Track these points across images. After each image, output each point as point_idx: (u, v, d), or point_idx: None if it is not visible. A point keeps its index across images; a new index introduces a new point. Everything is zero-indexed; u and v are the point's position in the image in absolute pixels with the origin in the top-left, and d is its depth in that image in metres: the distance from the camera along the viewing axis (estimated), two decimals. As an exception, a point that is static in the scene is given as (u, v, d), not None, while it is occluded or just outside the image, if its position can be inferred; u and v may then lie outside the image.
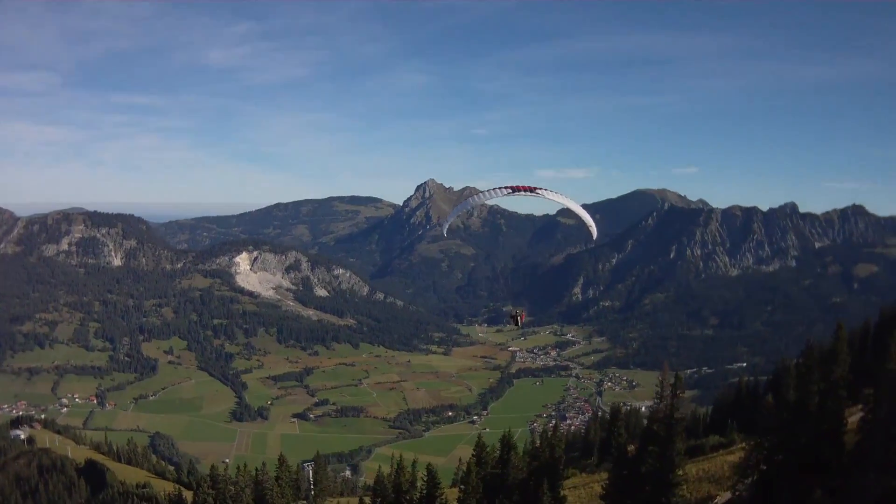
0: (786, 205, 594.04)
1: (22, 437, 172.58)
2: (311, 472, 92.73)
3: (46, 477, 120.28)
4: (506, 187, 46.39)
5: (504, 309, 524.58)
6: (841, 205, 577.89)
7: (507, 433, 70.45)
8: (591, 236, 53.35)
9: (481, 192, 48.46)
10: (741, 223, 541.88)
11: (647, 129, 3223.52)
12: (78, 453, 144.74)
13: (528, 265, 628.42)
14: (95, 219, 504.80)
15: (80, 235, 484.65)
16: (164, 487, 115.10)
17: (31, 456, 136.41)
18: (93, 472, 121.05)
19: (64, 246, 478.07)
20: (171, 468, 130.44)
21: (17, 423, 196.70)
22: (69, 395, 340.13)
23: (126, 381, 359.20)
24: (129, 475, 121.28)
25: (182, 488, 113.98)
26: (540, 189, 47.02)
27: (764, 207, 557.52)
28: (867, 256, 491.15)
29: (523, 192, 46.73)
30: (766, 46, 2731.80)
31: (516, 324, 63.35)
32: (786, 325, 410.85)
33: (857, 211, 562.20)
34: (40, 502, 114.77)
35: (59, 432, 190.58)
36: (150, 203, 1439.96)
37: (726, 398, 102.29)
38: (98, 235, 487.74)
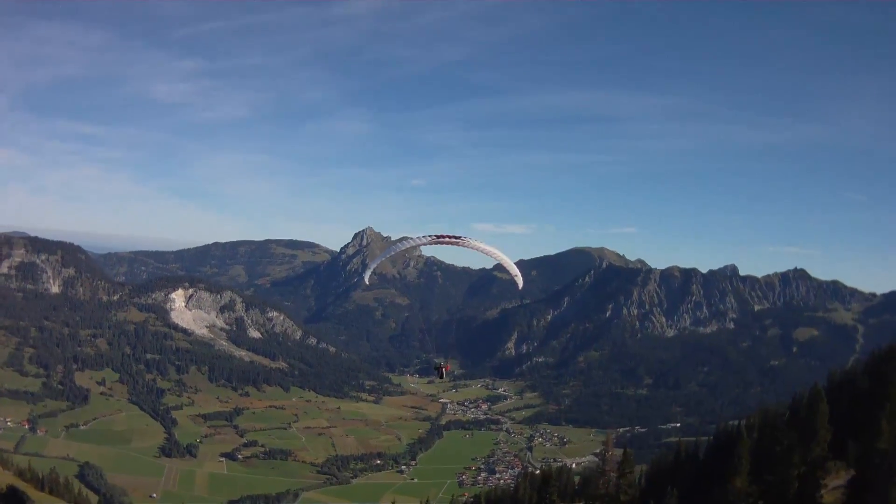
0: (726, 267, 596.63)
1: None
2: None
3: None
4: (431, 236, 47.33)
5: (432, 359, 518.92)
6: (782, 268, 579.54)
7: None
8: (518, 286, 55.86)
9: (407, 238, 48.96)
10: (679, 284, 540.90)
11: (587, 187, 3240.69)
12: (1, 478, 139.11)
13: (462, 318, 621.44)
14: (36, 244, 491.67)
15: (21, 259, 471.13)
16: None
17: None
18: (13, 499, 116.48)
19: (3, 269, 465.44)
20: (95, 501, 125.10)
21: None
22: (1, 419, 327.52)
23: (58, 409, 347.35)
24: None
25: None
26: (464, 238, 47.71)
27: (704, 269, 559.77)
28: (808, 320, 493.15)
29: (448, 241, 47.55)
30: (707, 109, 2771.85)
31: (440, 375, 65.27)
32: (722, 387, 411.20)
33: (798, 275, 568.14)
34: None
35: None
36: (91, 233, 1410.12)
37: (664, 461, 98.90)
38: (38, 261, 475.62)
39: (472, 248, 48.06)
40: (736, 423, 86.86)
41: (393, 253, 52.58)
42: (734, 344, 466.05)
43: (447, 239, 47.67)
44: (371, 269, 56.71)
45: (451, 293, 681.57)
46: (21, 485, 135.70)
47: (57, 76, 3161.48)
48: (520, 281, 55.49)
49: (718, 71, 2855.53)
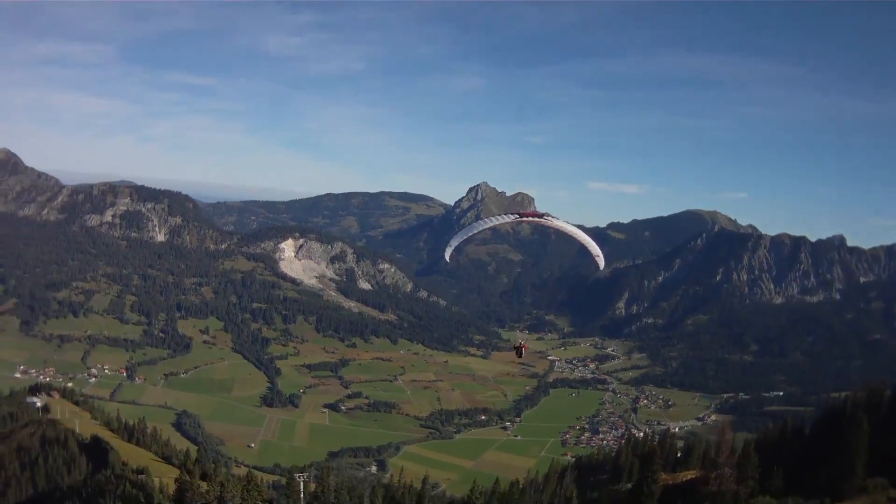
0: (833, 237, 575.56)
1: (38, 404, 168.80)
2: (302, 485, 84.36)
3: (48, 450, 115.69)
4: (515, 213, 47.37)
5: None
6: (888, 242, 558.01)
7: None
8: (598, 266, 53.48)
9: (490, 218, 47.53)
10: (789, 252, 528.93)
11: (700, 151, 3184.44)
12: (87, 428, 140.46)
13: (574, 276, 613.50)
14: (142, 193, 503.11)
15: (125, 208, 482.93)
16: (164, 473, 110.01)
17: (36, 426, 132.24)
18: (96, 450, 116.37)
19: (108, 217, 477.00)
20: (180, 451, 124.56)
21: (35, 390, 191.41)
22: (99, 366, 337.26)
23: (158, 357, 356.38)
24: (133, 456, 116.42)
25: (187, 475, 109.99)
26: (546, 217, 47.01)
27: (812, 238, 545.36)
28: None
29: (531, 220, 47.84)
30: (821, 78, 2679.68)
31: (519, 355, 64.04)
32: (825, 358, 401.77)
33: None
34: (38, 475, 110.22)
35: (77, 403, 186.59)
36: (200, 182, 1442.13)
37: (769, 435, 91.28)
38: (143, 210, 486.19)
39: (553, 227, 47.19)
40: (841, 397, 77.95)
41: (475, 232, 50.83)
42: (839, 315, 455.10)
43: (530, 217, 47.32)
44: (452, 248, 53.81)
45: (564, 251, 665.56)
46: (107, 434, 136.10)
47: (166, 27, 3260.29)
48: (601, 262, 52.82)
49: (833, 41, 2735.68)
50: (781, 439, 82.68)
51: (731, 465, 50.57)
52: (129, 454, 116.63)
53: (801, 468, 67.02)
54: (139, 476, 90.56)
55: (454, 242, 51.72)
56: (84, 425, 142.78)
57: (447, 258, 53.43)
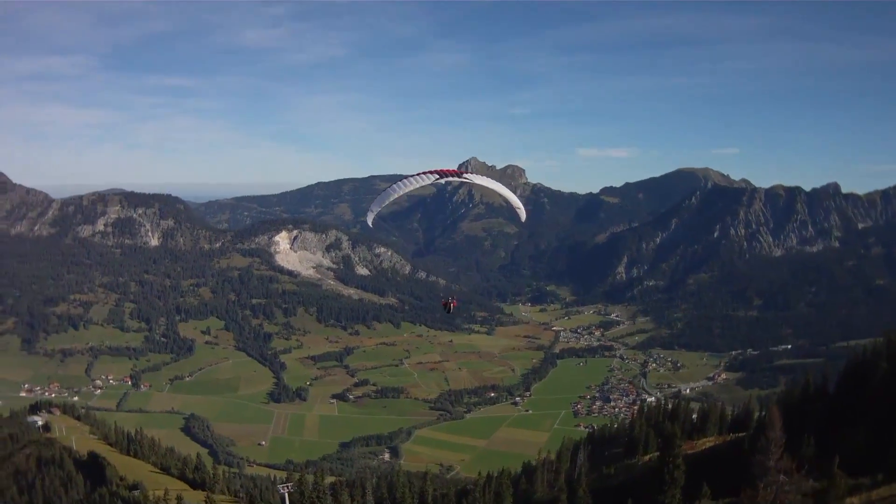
0: (828, 185, 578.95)
1: (39, 423, 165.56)
2: (287, 496, 79.82)
3: (44, 471, 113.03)
4: (432, 172, 45.57)
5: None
6: (883, 186, 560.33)
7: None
8: (520, 218, 53.95)
9: (407, 178, 46.76)
10: (784, 203, 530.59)
11: (688, 110, 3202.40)
12: (86, 443, 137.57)
13: (571, 244, 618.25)
14: (132, 199, 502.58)
15: (117, 216, 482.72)
16: (163, 484, 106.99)
17: (34, 447, 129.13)
18: (93, 466, 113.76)
19: (100, 227, 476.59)
20: (181, 459, 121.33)
21: (35, 408, 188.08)
22: (103, 377, 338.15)
23: (162, 362, 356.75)
24: (131, 469, 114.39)
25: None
26: (465, 173, 47.42)
27: (807, 187, 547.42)
28: None
29: (449, 177, 46.41)
30: (808, 27, 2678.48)
31: (448, 311, 63.77)
32: (830, 307, 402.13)
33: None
34: (36, 498, 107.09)
35: (78, 418, 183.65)
36: (189, 184, 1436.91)
37: (791, 397, 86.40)
38: (134, 216, 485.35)
39: (473, 182, 47.25)
40: (860, 348, 74.07)
41: (394, 195, 48.23)
42: (840, 263, 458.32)
43: (448, 175, 46.02)
44: (374, 213, 52.19)
45: (559, 219, 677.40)
46: (104, 449, 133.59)
47: (143, 32, 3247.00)
48: (522, 214, 53.36)
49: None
50: (804, 400, 78.38)
51: (783, 470, 45.84)
52: (127, 468, 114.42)
53: (830, 430, 63.02)
54: (133, 492, 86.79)
55: (375, 208, 51.04)
56: (82, 441, 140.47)
57: (370, 223, 52.49)
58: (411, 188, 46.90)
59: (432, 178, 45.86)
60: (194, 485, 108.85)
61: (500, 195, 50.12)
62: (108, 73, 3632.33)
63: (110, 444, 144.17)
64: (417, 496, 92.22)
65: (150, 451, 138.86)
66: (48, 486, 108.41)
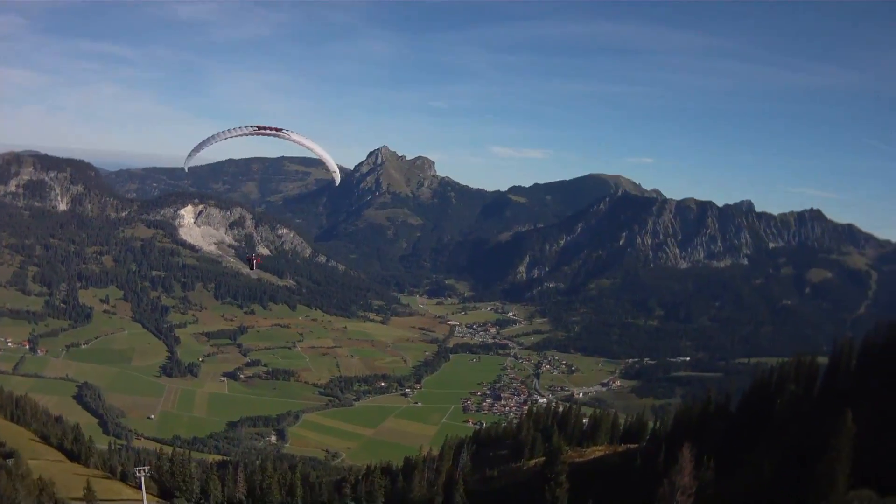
0: (742, 202, 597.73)
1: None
2: (143, 480, 77.69)
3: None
4: (252, 126, 47.04)
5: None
6: (798, 209, 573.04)
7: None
8: (335, 182, 56.35)
9: (229, 130, 48.25)
10: (695, 216, 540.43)
11: (605, 116, 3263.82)
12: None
13: (475, 240, 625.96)
14: (45, 162, 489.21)
15: (29, 178, 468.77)
16: (41, 454, 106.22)
17: None
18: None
19: (11, 188, 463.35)
20: (85, 423, 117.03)
21: None
22: (1, 339, 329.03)
23: (60, 328, 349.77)
24: (11, 435, 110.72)
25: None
26: (285, 130, 47.73)
27: (719, 203, 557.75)
28: (822, 262, 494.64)
29: (268, 133, 47.22)
30: (733, 47, 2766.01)
31: (251, 267, 69.74)
32: (733, 323, 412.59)
33: (814, 215, 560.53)
34: None
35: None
36: (105, 151, 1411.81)
37: (689, 413, 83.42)
38: (46, 179, 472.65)
39: (292, 141, 48.28)
40: (767, 368, 74.36)
41: (214, 143, 49.68)
42: (747, 280, 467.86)
43: (268, 130, 47.13)
44: (191, 158, 52.89)
45: (465, 214, 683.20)
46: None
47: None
48: (337, 178, 56.72)
49: (747, 10, 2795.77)
50: (704, 416, 77.62)
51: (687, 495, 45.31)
52: (8, 433, 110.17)
53: (731, 452, 63.33)
54: (7, 460, 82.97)
55: (193, 153, 51.35)
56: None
57: (185, 169, 56.89)
58: (229, 137, 48.06)
59: (250, 129, 47.29)
60: (71, 456, 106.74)
61: (317, 154, 51.26)
62: (39, 36, 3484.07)
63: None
64: (286, 488, 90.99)
65: (33, 417, 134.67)
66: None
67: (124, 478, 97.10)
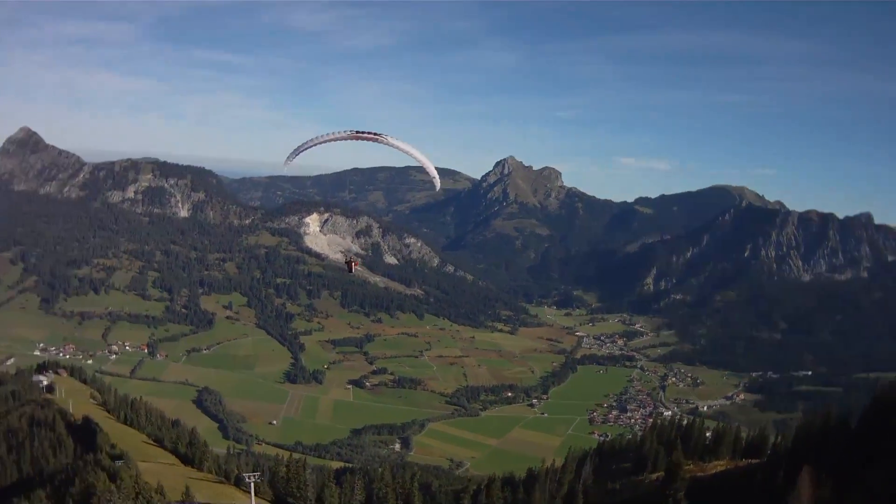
0: (861, 214, 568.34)
1: (43, 383, 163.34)
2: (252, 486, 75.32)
3: (35, 432, 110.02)
4: (350, 130, 47.18)
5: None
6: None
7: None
8: (435, 187, 54.55)
9: (325, 135, 48.10)
10: (816, 228, 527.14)
11: (730, 127, 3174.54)
12: (85, 408, 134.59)
13: (602, 251, 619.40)
14: (164, 169, 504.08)
15: (148, 184, 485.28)
16: (153, 456, 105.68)
17: (32, 407, 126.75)
18: (86, 432, 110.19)
19: (129, 193, 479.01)
20: (173, 436, 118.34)
21: (42, 368, 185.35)
22: (119, 343, 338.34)
23: (180, 333, 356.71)
24: (124, 438, 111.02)
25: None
26: (382, 135, 47.32)
27: (840, 215, 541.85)
28: None
29: (366, 137, 47.24)
30: (851, 57, 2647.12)
31: (349, 269, 70.61)
32: (853, 337, 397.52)
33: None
34: (24, 459, 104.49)
35: (85, 381, 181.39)
36: (224, 159, 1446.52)
37: (810, 428, 79.81)
38: (166, 185, 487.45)
39: (390, 145, 47.52)
40: (887, 383, 68.72)
41: (310, 146, 49.45)
42: (867, 294, 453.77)
43: (366, 135, 47.13)
44: (290, 159, 52.12)
45: (592, 225, 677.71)
46: (101, 415, 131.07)
47: (193, 5, 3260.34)
48: (437, 183, 54.59)
49: (862, 19, 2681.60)
50: (824, 431, 73.33)
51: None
52: (120, 436, 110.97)
53: (849, 468, 58.13)
54: (116, 462, 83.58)
55: (292, 155, 51.47)
56: (82, 405, 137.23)
57: (284, 167, 53.28)
58: (328, 141, 48.12)
59: (347, 133, 47.39)
60: (185, 460, 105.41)
61: (417, 159, 50.21)
62: (154, 43, 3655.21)
63: (108, 411, 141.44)
64: (403, 497, 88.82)
65: (147, 420, 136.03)
66: (37, 447, 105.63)
67: (238, 482, 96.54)
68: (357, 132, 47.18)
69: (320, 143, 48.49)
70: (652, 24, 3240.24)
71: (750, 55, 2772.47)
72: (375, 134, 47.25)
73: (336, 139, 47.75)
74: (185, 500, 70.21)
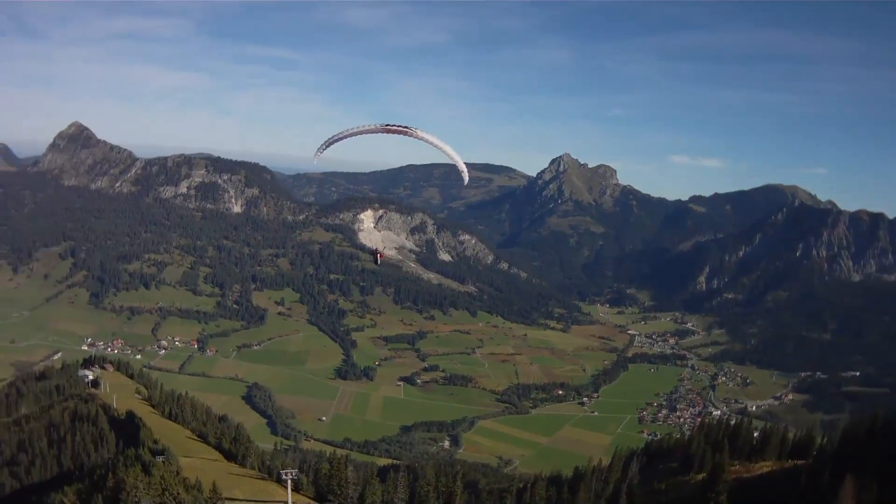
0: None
1: (89, 377, 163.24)
2: (290, 482, 74.17)
3: (77, 427, 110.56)
4: (380, 124, 47.43)
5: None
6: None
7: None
8: (463, 181, 57.44)
9: (356, 128, 48.44)
10: (867, 228, 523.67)
11: (782, 126, 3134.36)
12: (129, 403, 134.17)
13: (656, 249, 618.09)
14: (218, 164, 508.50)
15: (201, 180, 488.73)
16: (197, 452, 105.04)
17: (75, 401, 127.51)
18: (129, 427, 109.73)
19: (182, 189, 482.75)
20: (217, 431, 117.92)
21: (88, 362, 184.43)
22: (169, 338, 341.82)
23: (231, 329, 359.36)
24: (167, 433, 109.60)
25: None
26: (412, 128, 47.45)
27: (890, 215, 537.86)
28: None
29: (396, 130, 47.23)
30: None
31: (375, 262, 70.20)
32: None
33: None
34: (65, 454, 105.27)
35: (131, 376, 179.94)
36: (278, 155, 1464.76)
37: (856, 430, 79.45)
38: (219, 181, 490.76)
39: (420, 138, 48.05)
40: None
41: (341, 138, 50.04)
42: None
43: (395, 127, 47.27)
44: (320, 151, 53.12)
45: (646, 223, 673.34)
46: (145, 410, 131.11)
47: (243, 2, 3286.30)
48: (465, 177, 56.59)
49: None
50: (870, 434, 70.95)
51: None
52: (164, 431, 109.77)
53: (891, 472, 55.93)
54: (157, 457, 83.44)
55: (323, 147, 52.42)
56: (126, 400, 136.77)
57: (314, 161, 55.02)
58: (358, 134, 48.64)
59: (378, 127, 47.73)
60: (228, 456, 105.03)
61: (447, 153, 50.73)
62: (206, 39, 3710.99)
63: (153, 406, 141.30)
64: (445, 496, 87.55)
65: (193, 416, 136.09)
66: (79, 442, 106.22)
67: (279, 479, 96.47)
68: (386, 125, 47.26)
69: (350, 135, 48.74)
70: (703, 24, 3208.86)
71: (800, 54, 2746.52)
72: (405, 127, 47.22)
73: (365, 132, 48.06)
74: (214, 496, 69.36)
